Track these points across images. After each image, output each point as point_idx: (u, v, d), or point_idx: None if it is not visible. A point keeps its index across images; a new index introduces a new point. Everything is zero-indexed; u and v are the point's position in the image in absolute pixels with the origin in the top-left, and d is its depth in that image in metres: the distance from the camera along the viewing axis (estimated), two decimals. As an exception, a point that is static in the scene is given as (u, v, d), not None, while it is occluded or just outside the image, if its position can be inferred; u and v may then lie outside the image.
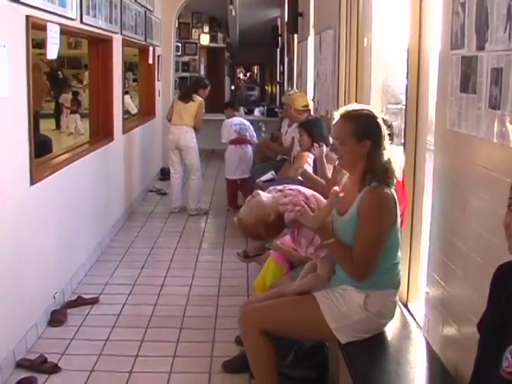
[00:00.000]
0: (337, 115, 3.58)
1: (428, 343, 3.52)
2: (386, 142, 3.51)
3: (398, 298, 3.67)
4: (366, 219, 3.40)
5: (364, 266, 3.42)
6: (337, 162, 3.63)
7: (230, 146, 9.95)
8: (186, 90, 10.08)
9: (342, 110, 3.61)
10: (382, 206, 3.41)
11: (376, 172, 3.43)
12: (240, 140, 9.84)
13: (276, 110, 16.33)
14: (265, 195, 3.66)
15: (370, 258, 3.42)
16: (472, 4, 2.85)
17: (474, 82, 2.84)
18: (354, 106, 3.65)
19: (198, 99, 9.66)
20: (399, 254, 3.59)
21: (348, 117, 3.51)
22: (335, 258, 3.59)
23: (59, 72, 22.03)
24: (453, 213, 3.21)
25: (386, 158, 3.48)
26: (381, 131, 3.49)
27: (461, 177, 3.12)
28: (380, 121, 3.52)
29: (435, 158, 3.54)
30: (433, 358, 3.38)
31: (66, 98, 20.50)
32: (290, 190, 3.69)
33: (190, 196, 9.78)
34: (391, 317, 3.62)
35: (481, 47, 2.76)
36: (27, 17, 4.96)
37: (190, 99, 9.59)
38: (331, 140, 3.69)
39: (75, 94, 20.80)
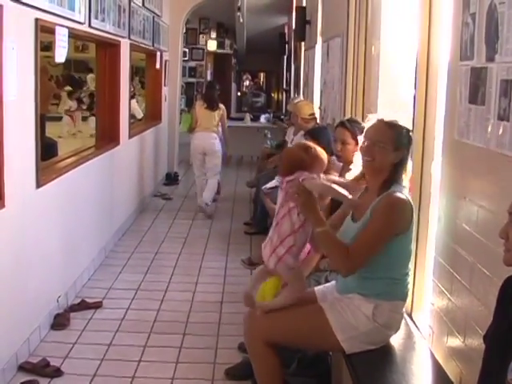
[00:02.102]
0: (374, 119, 3.66)
1: (432, 354, 3.51)
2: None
3: (404, 309, 3.66)
4: (376, 216, 3.40)
5: (359, 259, 3.40)
6: (362, 165, 3.65)
7: None
8: (211, 98, 10.19)
9: (381, 117, 3.67)
10: (395, 209, 3.42)
11: (398, 180, 3.50)
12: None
13: (282, 117, 16.32)
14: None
15: (366, 253, 3.40)
16: (482, 15, 2.85)
17: (482, 93, 2.84)
18: (391, 118, 3.67)
19: (222, 106, 10.26)
20: (409, 265, 3.58)
21: (391, 124, 3.56)
22: (325, 248, 3.58)
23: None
24: (459, 224, 3.20)
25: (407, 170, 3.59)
26: (410, 145, 3.59)
27: (468, 188, 3.11)
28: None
29: (442, 169, 3.53)
30: (437, 369, 3.37)
31: (71, 105, 20.51)
32: None
33: (207, 193, 10.08)
34: (397, 328, 3.60)
35: (490, 58, 2.76)
36: (36, 20, 4.97)
37: (217, 107, 10.09)
38: (361, 142, 3.69)
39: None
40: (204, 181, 10.26)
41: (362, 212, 3.54)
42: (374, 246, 3.40)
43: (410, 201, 3.47)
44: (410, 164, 3.66)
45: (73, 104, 20.28)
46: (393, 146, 3.49)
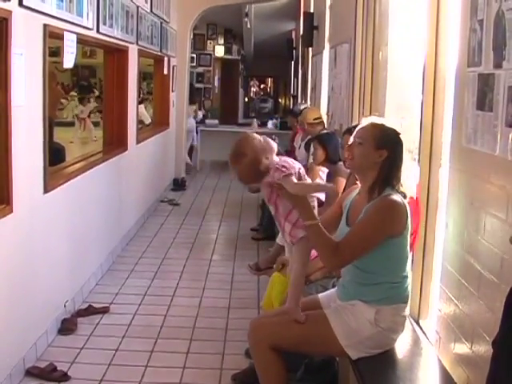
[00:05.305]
0: (365, 121, 3.63)
1: (439, 360, 3.50)
2: (403, 160, 3.55)
3: (407, 312, 3.64)
4: (368, 215, 3.39)
5: (346, 255, 3.40)
6: (347, 163, 3.63)
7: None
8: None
9: (372, 119, 3.65)
10: (389, 210, 3.39)
11: (389, 181, 3.45)
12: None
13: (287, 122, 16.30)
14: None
15: (354, 251, 3.40)
16: (490, 22, 2.85)
17: (490, 99, 2.84)
18: (384, 121, 3.66)
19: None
20: (407, 267, 3.56)
21: (375, 124, 3.54)
22: (314, 241, 3.51)
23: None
24: (467, 230, 3.20)
25: (401, 174, 3.50)
26: (400, 147, 3.52)
27: (476, 194, 3.11)
28: (402, 139, 3.55)
29: (450, 175, 3.52)
30: (444, 376, 3.36)
31: (82, 109, 20.64)
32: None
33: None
34: (401, 331, 3.59)
35: (498, 65, 2.75)
36: (45, 25, 4.99)
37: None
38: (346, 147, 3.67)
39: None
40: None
41: (355, 216, 3.53)
42: (363, 245, 3.39)
43: (406, 205, 3.43)
44: (416, 171, 3.63)
45: (84, 109, 20.54)
46: (373, 143, 3.45)
